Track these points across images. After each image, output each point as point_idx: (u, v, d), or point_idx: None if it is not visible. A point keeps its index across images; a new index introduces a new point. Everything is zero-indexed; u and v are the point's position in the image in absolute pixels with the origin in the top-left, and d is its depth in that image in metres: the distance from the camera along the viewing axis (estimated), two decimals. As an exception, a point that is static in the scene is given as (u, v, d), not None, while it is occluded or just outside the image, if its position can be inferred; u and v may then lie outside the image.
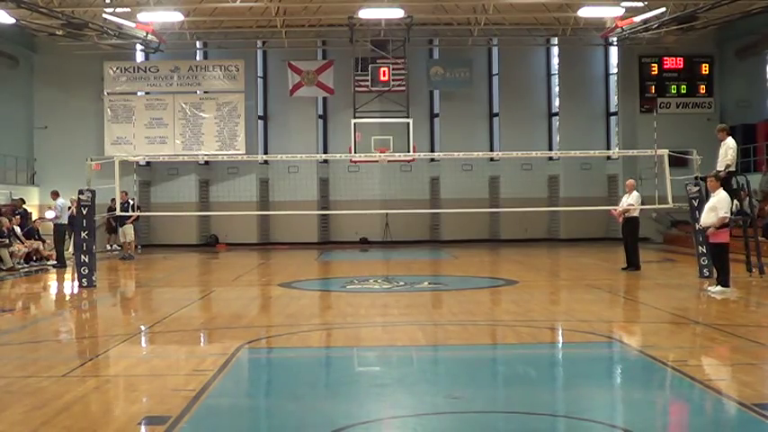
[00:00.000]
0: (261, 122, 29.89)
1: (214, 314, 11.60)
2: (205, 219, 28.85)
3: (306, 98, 28.83)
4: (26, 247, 19.74)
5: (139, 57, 29.05)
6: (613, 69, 29.69)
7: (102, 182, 19.60)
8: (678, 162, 18.28)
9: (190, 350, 8.76)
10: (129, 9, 22.77)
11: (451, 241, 28.36)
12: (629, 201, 16.45)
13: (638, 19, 23.51)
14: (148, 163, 28.48)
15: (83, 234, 14.73)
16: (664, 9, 22.98)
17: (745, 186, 15.54)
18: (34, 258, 20.21)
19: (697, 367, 7.38)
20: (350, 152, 24.79)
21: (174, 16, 23.86)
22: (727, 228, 12.50)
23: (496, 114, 30.10)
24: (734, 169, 14.64)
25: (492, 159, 28.84)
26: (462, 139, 28.31)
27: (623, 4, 23.25)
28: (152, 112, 28.14)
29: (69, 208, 19.28)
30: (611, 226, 25.35)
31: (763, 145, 25.32)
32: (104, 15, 23.07)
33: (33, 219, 22.70)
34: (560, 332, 9.83)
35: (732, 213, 12.97)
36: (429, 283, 15.60)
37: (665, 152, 16.94)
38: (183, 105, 28.13)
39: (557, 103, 29.93)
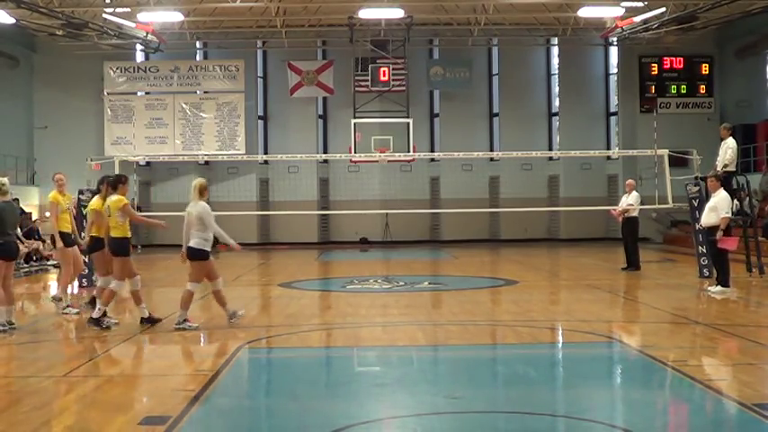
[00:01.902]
0: (261, 122, 29.90)
1: (214, 314, 11.57)
2: (204, 219, 28.79)
3: (306, 98, 28.84)
4: (26, 247, 19.73)
5: (139, 57, 29.06)
6: (613, 69, 29.70)
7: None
8: (678, 162, 18.31)
9: (190, 350, 8.76)
10: (129, 9, 22.78)
11: (451, 241, 28.35)
12: (629, 201, 16.45)
13: (638, 19, 23.51)
14: (148, 163, 28.48)
15: (83, 234, 14.73)
16: (664, 9, 22.99)
17: (745, 186, 15.55)
18: (34, 258, 20.21)
19: (697, 367, 7.38)
20: (350, 152, 24.79)
21: (174, 16, 23.87)
22: (731, 231, 12.50)
23: (496, 114, 30.10)
24: (734, 169, 14.66)
25: (492, 159, 28.84)
26: (462, 139, 28.31)
27: (623, 4, 23.25)
28: (152, 112, 28.15)
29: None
30: (611, 226, 25.36)
31: (763, 145, 25.33)
32: (104, 15, 23.08)
33: (33, 219, 22.70)
34: (560, 332, 9.82)
35: (732, 213, 12.97)
36: (429, 283, 15.59)
37: (665, 152, 16.96)
38: (183, 105, 28.14)
39: (557, 103, 29.93)
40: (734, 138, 14.91)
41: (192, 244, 9.67)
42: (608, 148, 29.24)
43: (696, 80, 28.66)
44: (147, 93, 28.67)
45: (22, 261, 19.25)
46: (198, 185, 10.09)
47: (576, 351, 8.67)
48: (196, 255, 9.69)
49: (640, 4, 23.36)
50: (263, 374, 8.01)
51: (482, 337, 9.41)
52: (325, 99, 29.90)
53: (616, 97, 29.54)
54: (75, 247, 11.55)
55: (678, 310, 10.92)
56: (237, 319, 9.83)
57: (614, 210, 17.22)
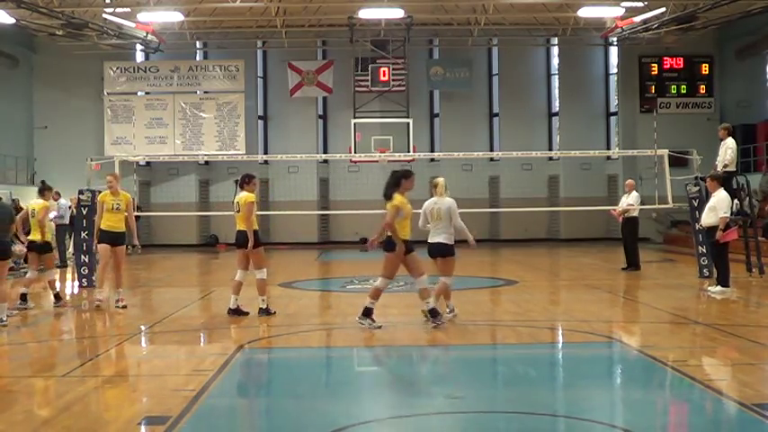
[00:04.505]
0: (261, 122, 29.90)
1: (214, 314, 11.59)
2: (205, 219, 28.83)
3: (306, 98, 28.83)
4: (26, 247, 19.68)
5: (139, 57, 29.06)
6: (613, 69, 29.70)
7: (103, 182, 19.59)
8: (678, 162, 18.31)
9: (190, 350, 8.76)
10: (129, 9, 22.79)
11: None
12: (629, 201, 16.44)
13: (638, 19, 23.52)
14: (148, 163, 28.49)
15: (83, 234, 14.75)
16: (664, 9, 23.00)
17: (745, 186, 15.54)
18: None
19: (697, 367, 7.38)
20: (350, 152, 24.80)
21: (174, 16, 23.88)
22: (731, 227, 12.49)
23: (496, 114, 30.10)
24: (734, 169, 14.66)
25: (492, 159, 28.82)
26: (462, 138, 28.31)
27: (623, 4, 23.26)
28: (152, 112, 28.16)
29: (70, 207, 19.28)
30: (612, 226, 25.34)
31: (763, 145, 25.34)
32: (104, 15, 23.09)
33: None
34: (560, 332, 9.82)
35: (732, 213, 12.96)
36: (429, 284, 15.54)
37: (665, 152, 16.98)
38: (183, 105, 28.14)
39: (557, 103, 29.92)
40: (733, 138, 14.91)
41: (443, 239, 9.67)
42: (608, 148, 29.23)
43: (696, 80, 28.66)
44: (147, 93, 28.67)
45: (22, 261, 19.24)
46: (444, 183, 10.01)
47: (576, 351, 8.67)
48: (449, 250, 9.74)
49: (640, 4, 23.36)
50: (263, 374, 8.00)
51: (482, 337, 9.40)
52: (325, 99, 29.90)
53: (616, 97, 29.54)
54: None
55: (678, 310, 10.92)
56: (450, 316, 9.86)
57: (614, 210, 17.21)
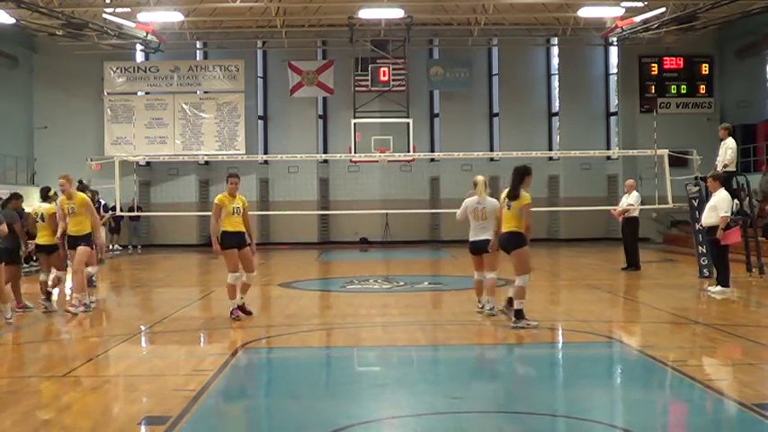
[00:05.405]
0: (261, 122, 29.90)
1: (214, 314, 11.59)
2: (205, 219, 28.73)
3: (306, 98, 28.84)
4: (26, 246, 19.66)
5: (139, 57, 29.07)
6: (613, 69, 29.70)
7: (103, 182, 19.65)
8: (678, 162, 18.33)
9: (190, 350, 8.75)
10: (129, 9, 22.80)
11: (451, 241, 28.32)
12: (629, 201, 16.43)
13: (638, 19, 23.53)
14: (148, 163, 28.50)
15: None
16: (664, 9, 23.01)
17: (746, 186, 15.54)
18: (34, 258, 20.17)
19: (697, 367, 7.37)
20: (350, 152, 24.81)
21: (174, 16, 23.90)
22: (732, 227, 12.49)
23: (496, 114, 30.10)
24: (734, 169, 14.65)
25: (492, 159, 28.80)
26: (462, 138, 28.32)
27: (623, 4, 23.28)
28: (152, 112, 28.17)
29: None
30: (612, 226, 25.35)
31: (763, 145, 25.34)
32: (104, 15, 23.10)
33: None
34: (560, 332, 9.82)
35: (732, 213, 12.95)
36: (429, 283, 15.58)
37: (665, 152, 16.99)
38: (183, 105, 28.14)
39: (557, 103, 29.93)
40: (733, 138, 14.92)
41: (489, 236, 9.86)
42: (608, 148, 29.23)
43: (696, 80, 28.67)
44: (147, 93, 28.68)
45: (21, 261, 19.18)
46: (484, 181, 10.43)
47: (576, 351, 8.67)
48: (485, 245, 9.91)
49: (640, 4, 23.37)
50: (262, 374, 8.00)
51: (482, 337, 9.40)
52: (325, 99, 29.90)
53: (616, 97, 29.54)
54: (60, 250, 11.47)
55: (678, 310, 10.92)
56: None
57: (614, 210, 17.21)
